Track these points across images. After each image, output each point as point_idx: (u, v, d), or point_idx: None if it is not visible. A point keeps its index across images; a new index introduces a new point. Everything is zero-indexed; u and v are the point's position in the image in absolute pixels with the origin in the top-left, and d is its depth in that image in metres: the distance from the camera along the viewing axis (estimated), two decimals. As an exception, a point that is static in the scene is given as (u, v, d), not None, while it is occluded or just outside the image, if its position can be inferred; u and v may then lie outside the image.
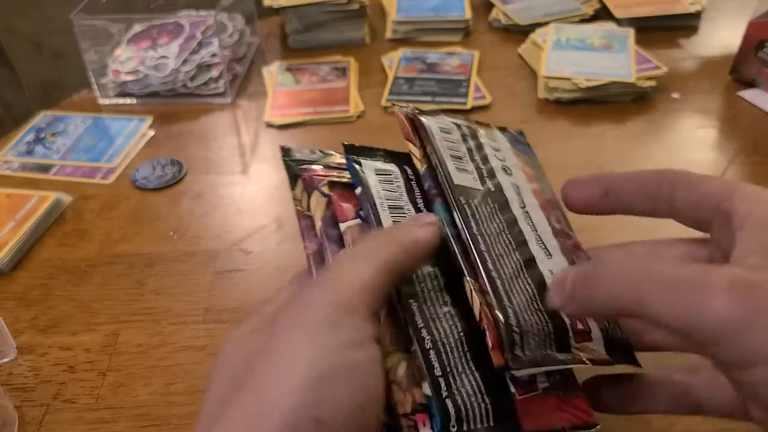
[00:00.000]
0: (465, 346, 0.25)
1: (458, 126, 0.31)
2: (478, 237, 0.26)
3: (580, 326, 0.26)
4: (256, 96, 0.69)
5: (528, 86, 0.67)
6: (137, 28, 0.71)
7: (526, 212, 0.29)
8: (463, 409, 0.24)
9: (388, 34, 0.78)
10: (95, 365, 0.41)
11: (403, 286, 0.26)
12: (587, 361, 0.26)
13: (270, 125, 0.63)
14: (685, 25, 0.76)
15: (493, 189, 0.29)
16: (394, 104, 0.31)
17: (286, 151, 0.32)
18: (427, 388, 0.24)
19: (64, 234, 0.52)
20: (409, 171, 0.30)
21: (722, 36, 0.74)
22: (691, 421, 0.33)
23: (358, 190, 0.29)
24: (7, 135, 0.64)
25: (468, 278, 0.25)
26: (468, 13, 0.77)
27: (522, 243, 0.28)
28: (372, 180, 0.29)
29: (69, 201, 0.55)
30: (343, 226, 0.28)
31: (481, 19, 0.80)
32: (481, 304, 0.25)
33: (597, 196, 0.28)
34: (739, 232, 0.23)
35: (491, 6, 0.81)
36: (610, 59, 0.65)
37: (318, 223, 0.29)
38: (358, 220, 0.28)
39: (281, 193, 0.55)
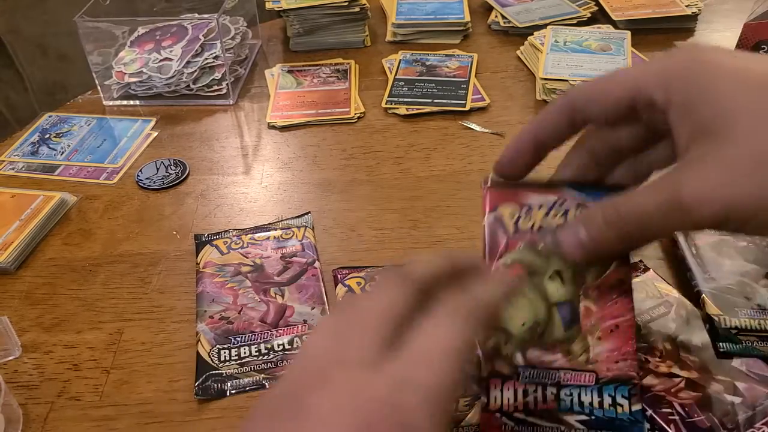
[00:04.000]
0: None
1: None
2: None
3: None
4: (258, 97, 0.70)
5: (526, 88, 0.67)
6: (141, 30, 0.72)
7: None
8: None
9: (389, 37, 0.79)
10: (99, 363, 0.42)
11: None
12: None
13: (272, 126, 0.64)
14: (682, 27, 0.76)
15: None
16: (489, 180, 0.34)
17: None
18: None
19: (68, 234, 0.52)
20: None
21: (718, 38, 0.74)
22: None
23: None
24: (12, 136, 0.65)
25: None
26: (467, 16, 0.78)
27: None
28: None
29: (73, 201, 0.56)
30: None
31: (480, 22, 0.80)
32: None
33: (531, 155, 0.32)
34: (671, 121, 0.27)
35: (490, 9, 0.82)
36: (607, 61, 0.66)
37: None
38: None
39: (282, 193, 0.55)
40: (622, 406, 0.31)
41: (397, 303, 0.26)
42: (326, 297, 0.45)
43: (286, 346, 0.42)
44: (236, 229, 0.50)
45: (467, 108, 0.64)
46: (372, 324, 0.25)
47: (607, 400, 0.31)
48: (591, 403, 0.31)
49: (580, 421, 0.31)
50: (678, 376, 0.37)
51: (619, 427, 0.31)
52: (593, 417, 0.31)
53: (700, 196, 0.24)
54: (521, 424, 0.31)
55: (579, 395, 0.31)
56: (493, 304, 0.28)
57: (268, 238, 0.49)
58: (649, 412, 0.36)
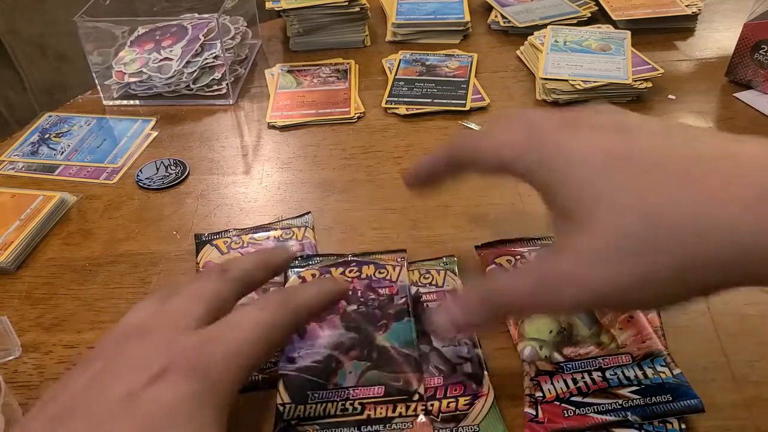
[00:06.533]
0: None
1: None
2: None
3: None
4: (258, 97, 0.70)
5: (526, 88, 0.67)
6: (141, 30, 0.72)
7: None
8: None
9: (388, 37, 0.79)
10: (100, 362, 0.42)
11: None
12: None
13: (272, 126, 0.64)
14: (682, 27, 0.76)
15: None
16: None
17: None
18: None
19: (68, 233, 0.52)
20: None
21: (718, 38, 0.74)
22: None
23: None
24: (12, 136, 0.65)
25: None
26: (467, 16, 0.78)
27: None
28: None
29: (73, 201, 0.56)
30: None
31: (480, 22, 0.80)
32: None
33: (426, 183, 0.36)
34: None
35: (490, 9, 0.82)
36: (607, 61, 0.66)
37: None
38: None
39: (282, 193, 0.55)
40: (663, 372, 0.35)
41: (210, 289, 0.31)
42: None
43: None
44: (236, 229, 0.50)
45: (467, 108, 0.64)
46: (189, 301, 0.30)
47: (649, 371, 0.35)
48: (636, 376, 0.35)
49: (633, 392, 0.34)
50: None
51: (669, 389, 0.34)
52: (643, 386, 0.34)
53: (569, 280, 0.26)
54: (580, 406, 0.34)
55: (623, 372, 0.35)
56: (304, 298, 0.33)
57: (268, 238, 0.49)
58: None
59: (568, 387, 0.35)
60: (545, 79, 0.64)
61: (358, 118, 0.64)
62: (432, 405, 0.35)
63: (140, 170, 0.59)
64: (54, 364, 0.42)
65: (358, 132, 0.63)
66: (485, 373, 0.36)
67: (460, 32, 0.78)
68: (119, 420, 0.25)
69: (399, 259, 0.44)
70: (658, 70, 0.65)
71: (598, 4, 0.80)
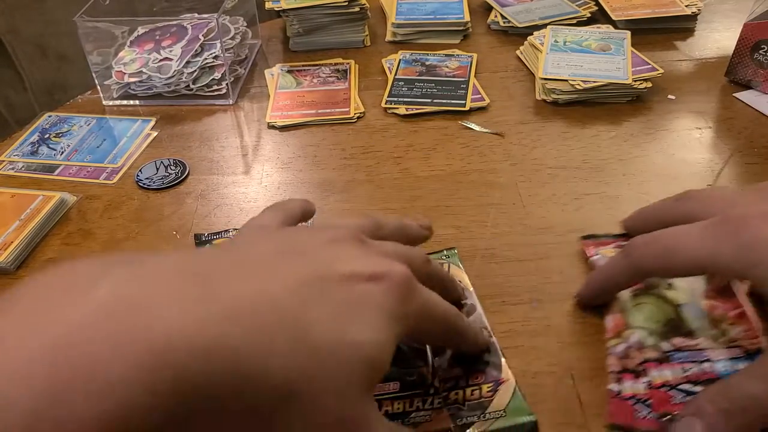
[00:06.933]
0: None
1: None
2: None
3: None
4: (257, 97, 0.70)
5: (526, 88, 0.67)
6: (141, 30, 0.72)
7: None
8: None
9: (388, 37, 0.79)
10: (100, 362, 0.42)
11: None
12: None
13: (271, 126, 0.64)
14: (681, 27, 0.76)
15: None
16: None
17: None
18: None
19: (68, 234, 0.52)
20: None
21: (718, 38, 0.74)
22: None
23: None
24: (11, 136, 0.65)
25: None
26: (466, 16, 0.78)
27: None
28: None
29: (73, 201, 0.56)
30: None
31: (480, 22, 0.80)
32: None
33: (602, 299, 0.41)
34: None
35: (490, 9, 0.82)
36: (607, 61, 0.66)
37: None
38: None
39: (282, 193, 0.55)
40: None
41: (361, 224, 0.33)
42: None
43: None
44: (236, 229, 0.50)
45: (467, 108, 0.64)
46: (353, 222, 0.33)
47: None
48: None
49: None
50: None
51: None
52: None
53: None
54: (690, 393, 0.34)
55: (734, 365, 0.35)
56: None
57: (268, 237, 0.49)
58: None
59: (676, 375, 0.35)
60: (545, 79, 0.64)
61: (358, 118, 0.64)
62: (457, 394, 0.35)
63: (140, 170, 0.59)
64: (54, 364, 0.42)
65: (357, 132, 0.63)
66: (503, 360, 0.37)
67: (459, 32, 0.78)
68: (336, 288, 0.26)
69: None
70: (657, 70, 0.65)
71: (597, 4, 0.80)
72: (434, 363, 0.37)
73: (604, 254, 0.44)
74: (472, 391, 0.35)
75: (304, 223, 0.39)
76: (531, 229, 0.49)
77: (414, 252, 0.33)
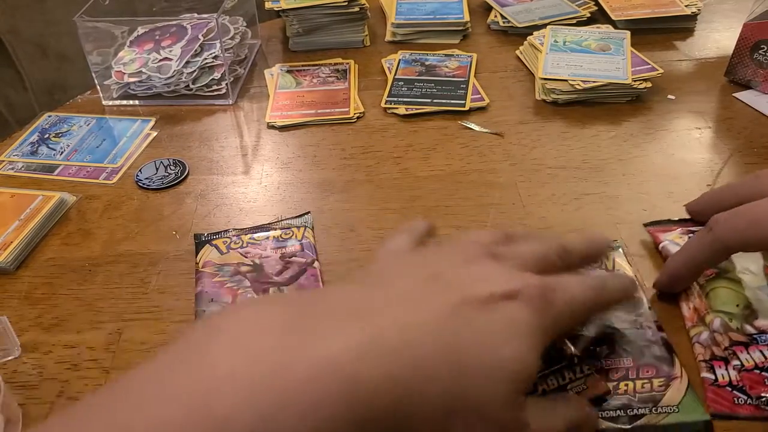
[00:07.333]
0: None
1: None
2: None
3: None
4: (257, 97, 0.70)
5: (525, 88, 0.67)
6: (140, 30, 0.72)
7: None
8: None
9: (388, 37, 0.79)
10: (99, 363, 0.42)
11: None
12: None
13: (271, 126, 0.64)
14: (681, 27, 0.76)
15: None
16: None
17: None
18: None
19: (68, 233, 0.52)
20: None
21: (717, 38, 0.74)
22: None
23: None
24: (11, 136, 0.65)
25: None
26: (466, 16, 0.78)
27: None
28: None
29: (73, 201, 0.56)
30: None
31: (479, 22, 0.80)
32: None
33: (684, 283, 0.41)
34: None
35: (489, 9, 0.82)
36: (607, 61, 0.66)
37: None
38: None
39: (282, 193, 0.55)
40: None
41: (544, 248, 0.34)
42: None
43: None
44: (236, 229, 0.50)
45: (467, 108, 0.64)
46: (530, 247, 0.34)
47: None
48: None
49: None
50: None
51: None
52: None
53: None
54: None
55: None
56: (613, 290, 0.35)
57: (267, 238, 0.49)
58: None
59: (766, 357, 0.36)
60: (545, 79, 0.64)
61: (358, 118, 0.64)
62: (627, 385, 0.36)
63: (140, 170, 0.59)
64: (53, 364, 0.42)
65: (357, 132, 0.63)
66: (675, 356, 0.37)
67: (459, 32, 0.78)
68: (478, 312, 0.28)
69: None
70: (657, 70, 0.65)
71: (597, 4, 0.80)
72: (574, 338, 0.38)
73: (673, 240, 0.44)
74: (643, 384, 0.36)
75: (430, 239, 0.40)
76: (531, 228, 0.49)
77: (548, 248, 0.34)
